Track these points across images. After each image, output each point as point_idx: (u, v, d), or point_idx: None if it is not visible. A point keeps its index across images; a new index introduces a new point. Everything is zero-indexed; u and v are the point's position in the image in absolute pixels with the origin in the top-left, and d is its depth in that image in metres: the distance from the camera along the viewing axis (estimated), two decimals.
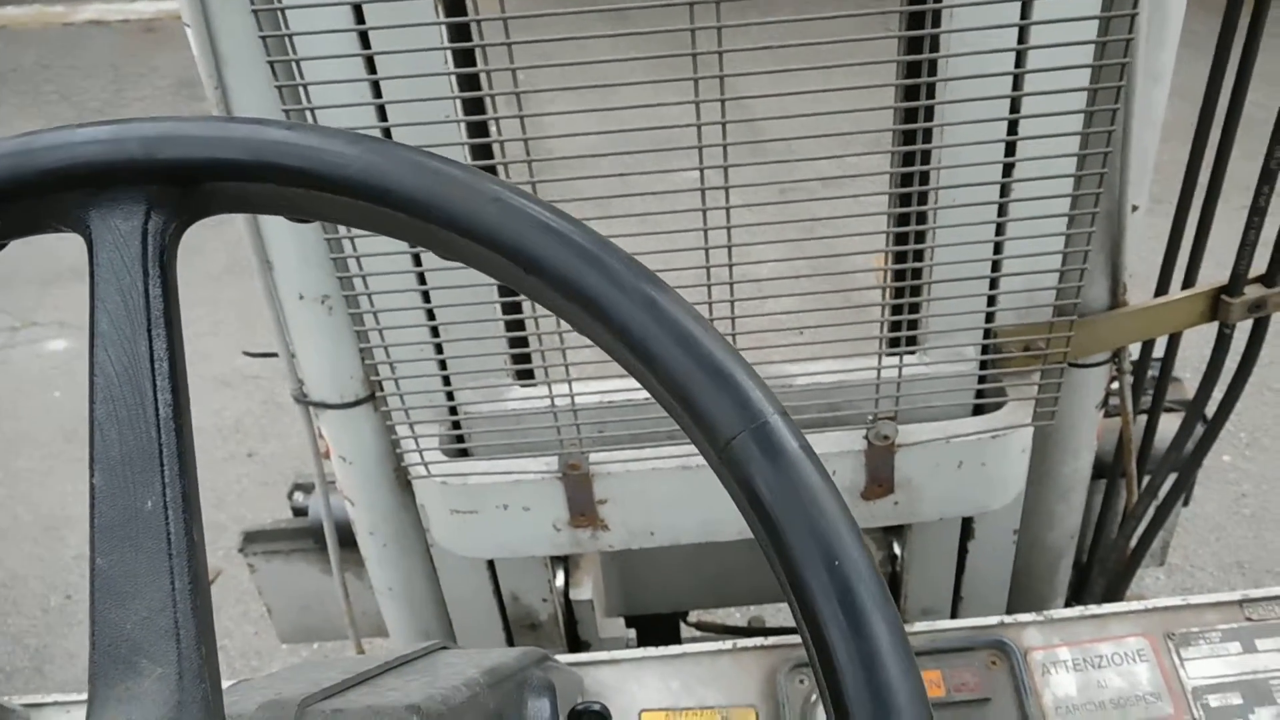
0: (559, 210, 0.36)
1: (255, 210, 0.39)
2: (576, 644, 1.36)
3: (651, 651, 0.80)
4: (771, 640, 0.79)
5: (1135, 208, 0.95)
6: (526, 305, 1.01)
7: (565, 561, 1.33)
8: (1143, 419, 1.23)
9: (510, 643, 1.30)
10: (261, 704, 0.42)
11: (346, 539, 1.22)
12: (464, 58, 0.86)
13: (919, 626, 0.86)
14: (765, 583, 1.53)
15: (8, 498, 2.99)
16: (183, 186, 0.36)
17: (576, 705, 0.59)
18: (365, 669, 0.50)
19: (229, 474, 2.97)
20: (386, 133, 0.84)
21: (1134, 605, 0.81)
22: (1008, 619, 0.81)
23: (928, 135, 0.90)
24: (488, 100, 0.87)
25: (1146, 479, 1.23)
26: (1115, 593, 1.30)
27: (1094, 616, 0.80)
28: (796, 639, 0.80)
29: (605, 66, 0.85)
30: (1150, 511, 1.22)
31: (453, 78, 0.83)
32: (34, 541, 2.85)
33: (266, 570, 1.44)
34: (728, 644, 0.79)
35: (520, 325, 1.01)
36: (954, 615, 1.28)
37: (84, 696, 0.86)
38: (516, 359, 1.03)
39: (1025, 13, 0.82)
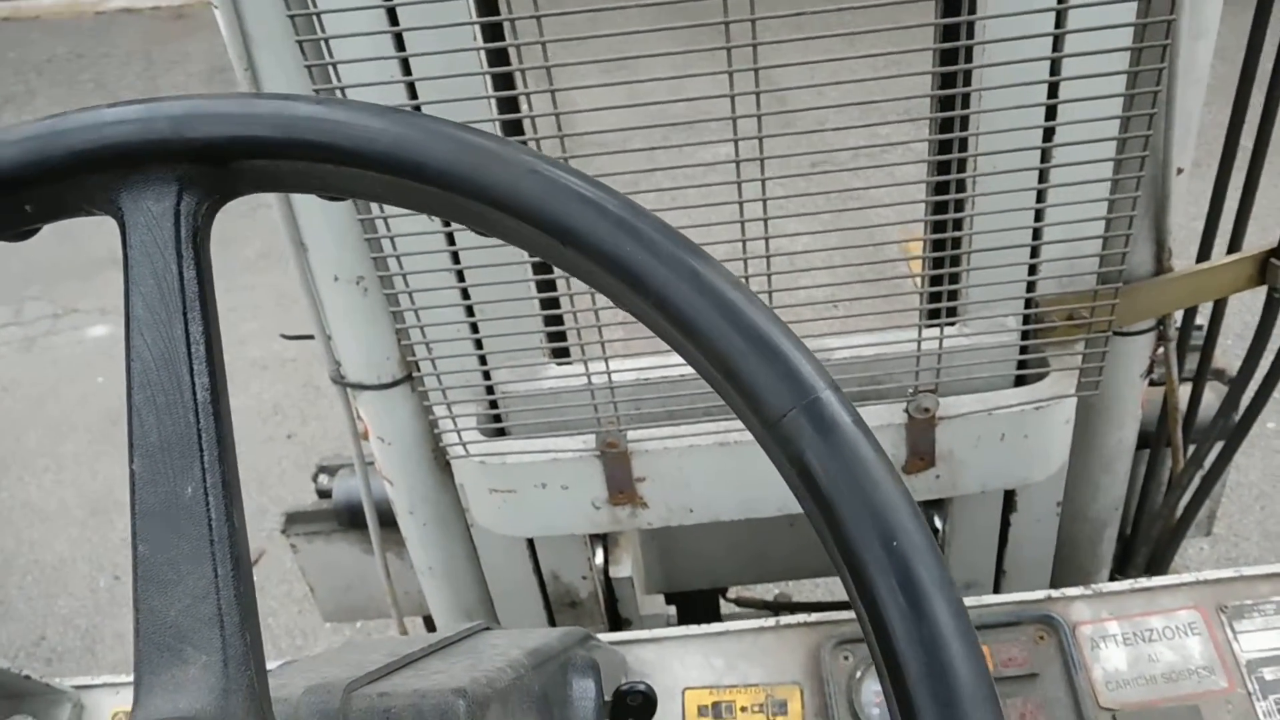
0: (597, 181, 0.35)
1: (287, 188, 0.38)
2: (617, 621, 1.37)
3: (694, 629, 0.80)
4: (815, 617, 0.79)
5: (1180, 170, 0.93)
6: (561, 283, 1.00)
7: (604, 539, 1.33)
8: (1184, 388, 1.21)
9: (551, 621, 1.30)
10: (308, 688, 0.42)
11: (386, 519, 1.23)
12: (494, 33, 0.85)
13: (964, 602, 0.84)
14: (804, 558, 1.53)
15: (55, 483, 3.04)
16: (214, 165, 0.36)
17: (621, 685, 0.59)
18: (409, 651, 0.50)
19: (269, 456, 3.01)
20: (417, 110, 0.84)
21: (1185, 578, 0.80)
22: (1055, 593, 0.80)
23: (965, 101, 0.88)
24: (517, 76, 0.86)
25: (1191, 448, 1.21)
26: (1161, 564, 1.28)
27: (1144, 590, 0.79)
28: (839, 615, 0.80)
29: (634, 39, 0.83)
30: (1196, 481, 1.20)
31: (482, 53, 0.82)
32: (81, 525, 2.90)
33: (309, 551, 1.45)
34: (770, 621, 0.79)
35: (556, 304, 1.01)
36: (996, 589, 1.26)
37: (132, 679, 0.88)
38: (552, 337, 1.02)
39: None
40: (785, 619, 0.78)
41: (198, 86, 5.09)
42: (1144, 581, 0.80)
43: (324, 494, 1.42)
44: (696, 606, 1.59)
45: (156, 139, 0.35)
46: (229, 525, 0.33)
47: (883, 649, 0.30)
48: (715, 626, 0.79)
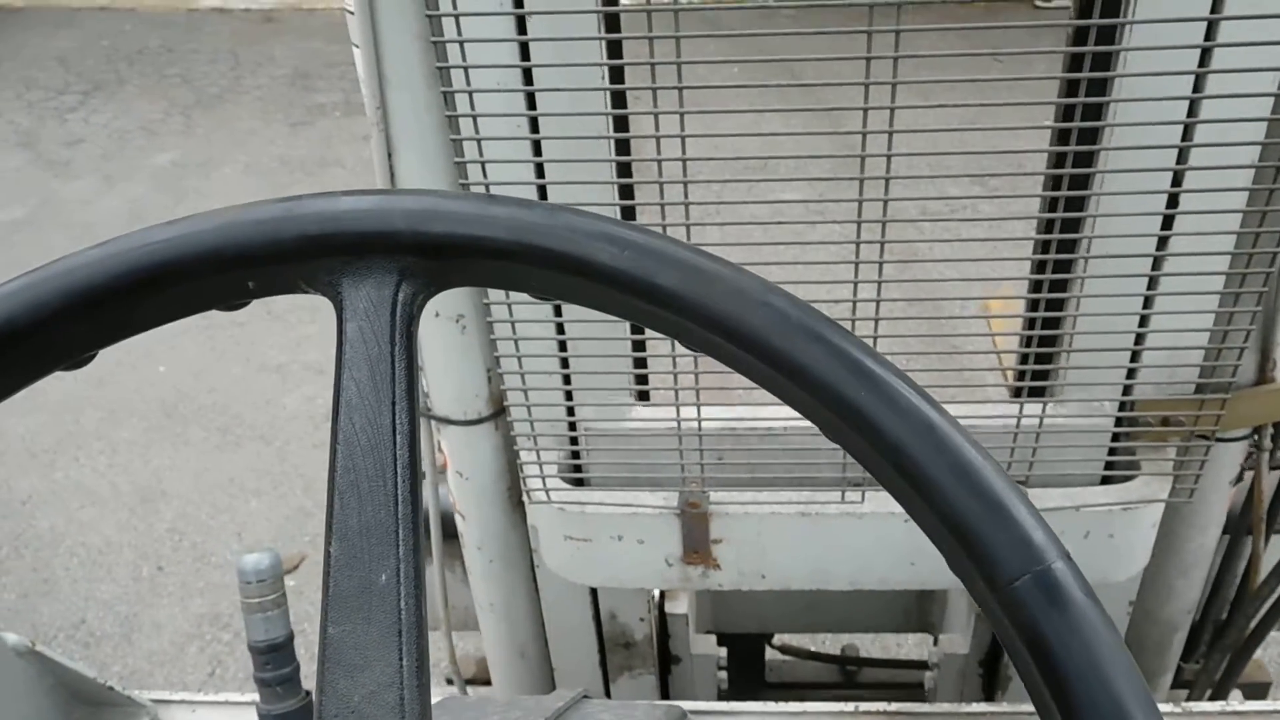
0: (829, 319, 0.35)
1: (500, 286, 0.39)
2: (667, 659, 1.36)
3: (771, 707, 0.79)
4: (895, 706, 0.78)
5: None
6: (652, 344, 1.01)
7: None
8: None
9: (603, 659, 1.30)
10: None
11: (446, 532, 1.21)
12: (619, 87, 0.86)
13: (1026, 708, 0.83)
14: (854, 613, 1.51)
15: (108, 467, 3.09)
16: (437, 260, 0.37)
17: None
18: (520, 719, 0.50)
19: (318, 460, 3.03)
20: (540, 168, 0.85)
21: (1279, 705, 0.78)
22: None
23: (1082, 203, 0.87)
24: (647, 130, 0.87)
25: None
26: (1230, 672, 1.26)
27: (1236, 713, 0.77)
28: (919, 707, 0.79)
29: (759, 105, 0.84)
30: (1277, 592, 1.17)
31: (609, 118, 0.84)
32: (130, 511, 2.94)
33: None
34: (850, 706, 0.78)
35: (644, 362, 1.01)
36: None
37: (208, 697, 0.89)
38: (641, 395, 1.03)
39: (1199, 85, 0.80)
40: (864, 706, 0.78)
41: (281, 89, 5.19)
42: (1236, 705, 0.78)
43: None
44: (742, 649, 1.58)
45: (388, 231, 0.36)
46: (417, 615, 0.33)
47: None
48: (793, 706, 0.79)
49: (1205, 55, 0.78)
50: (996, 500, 0.33)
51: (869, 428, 0.34)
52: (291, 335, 3.40)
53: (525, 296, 0.94)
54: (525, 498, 1.04)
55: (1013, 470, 0.96)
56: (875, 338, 0.89)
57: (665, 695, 1.35)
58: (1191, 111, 0.81)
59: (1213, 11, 0.75)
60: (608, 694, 1.34)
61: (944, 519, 0.33)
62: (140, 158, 4.68)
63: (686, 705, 0.75)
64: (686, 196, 0.80)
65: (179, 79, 5.38)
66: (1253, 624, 1.19)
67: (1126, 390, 0.96)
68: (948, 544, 0.33)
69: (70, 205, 4.37)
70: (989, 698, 1.34)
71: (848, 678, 1.65)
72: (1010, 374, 1.01)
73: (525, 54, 0.81)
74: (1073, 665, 0.31)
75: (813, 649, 1.73)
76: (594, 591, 1.22)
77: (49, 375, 0.38)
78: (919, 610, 1.52)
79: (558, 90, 0.80)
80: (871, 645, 2.22)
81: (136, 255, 0.36)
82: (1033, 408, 0.93)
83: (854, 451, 0.35)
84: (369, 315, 0.36)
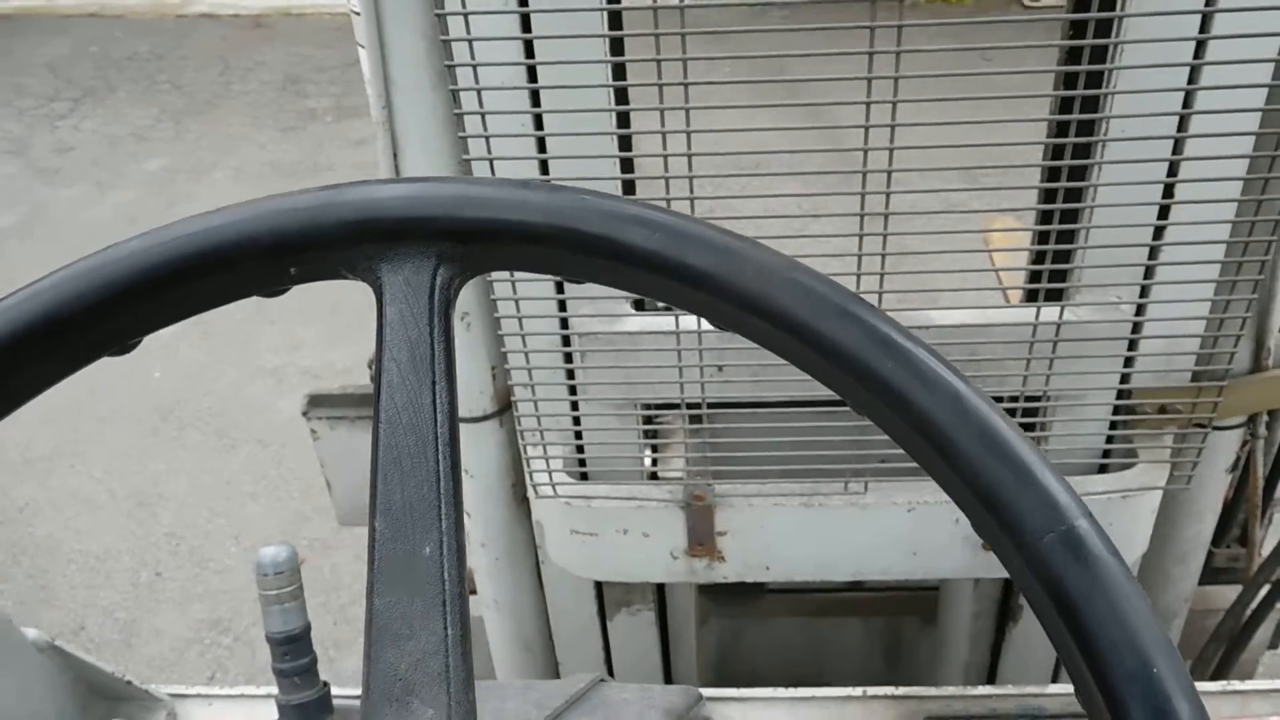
0: (854, 294, 0.36)
1: (534, 270, 0.40)
2: (664, 600, 1.33)
3: (781, 692, 0.81)
4: (902, 690, 0.79)
5: None
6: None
7: None
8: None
9: (608, 654, 1.30)
10: None
11: None
12: (622, 84, 0.88)
13: (1031, 689, 0.84)
14: (864, 564, 1.46)
15: (104, 473, 3.09)
16: (473, 244, 0.38)
17: None
18: (542, 700, 0.51)
19: (316, 464, 3.03)
20: (545, 165, 0.86)
21: (1278, 684, 0.80)
22: None
23: (1079, 189, 0.89)
24: (651, 128, 0.88)
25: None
26: (1227, 660, 1.27)
27: (1235, 692, 0.79)
28: (926, 690, 0.80)
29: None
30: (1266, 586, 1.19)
31: (614, 114, 0.85)
32: (127, 517, 2.94)
33: (330, 438, 1.34)
34: (857, 691, 0.79)
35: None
36: (1055, 677, 1.25)
37: (225, 690, 0.90)
38: (637, 305, 1.02)
39: (1194, 77, 0.81)
40: (872, 690, 0.79)
41: (271, 94, 5.18)
42: (1236, 684, 0.80)
43: None
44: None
45: (426, 217, 0.37)
46: (460, 586, 0.35)
47: None
48: (802, 691, 0.80)
49: (1199, 49, 0.80)
50: (1022, 464, 0.34)
51: (897, 399, 0.35)
52: (286, 339, 3.40)
53: (530, 292, 0.95)
54: (531, 493, 1.05)
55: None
56: None
57: (663, 625, 1.32)
58: (1186, 104, 0.82)
59: (1206, 5, 0.77)
60: None
61: (971, 483, 0.34)
62: (131, 164, 4.68)
63: (703, 690, 0.76)
64: (692, 192, 0.81)
65: (169, 85, 5.37)
66: (1249, 610, 1.20)
67: (1124, 379, 0.98)
68: (974, 508, 0.35)
69: (62, 212, 4.36)
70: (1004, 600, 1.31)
71: (855, 583, 1.55)
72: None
73: (530, 52, 0.82)
74: (1097, 617, 0.32)
75: None
76: (598, 586, 1.23)
77: (96, 361, 0.39)
78: None
79: (563, 88, 0.81)
80: None
81: (182, 243, 0.38)
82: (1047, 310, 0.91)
83: (881, 422, 0.36)
84: (408, 299, 0.37)
